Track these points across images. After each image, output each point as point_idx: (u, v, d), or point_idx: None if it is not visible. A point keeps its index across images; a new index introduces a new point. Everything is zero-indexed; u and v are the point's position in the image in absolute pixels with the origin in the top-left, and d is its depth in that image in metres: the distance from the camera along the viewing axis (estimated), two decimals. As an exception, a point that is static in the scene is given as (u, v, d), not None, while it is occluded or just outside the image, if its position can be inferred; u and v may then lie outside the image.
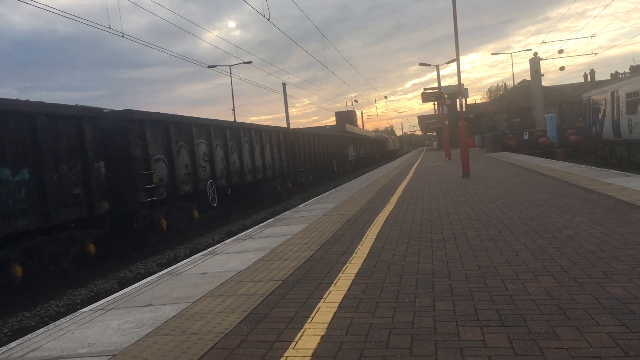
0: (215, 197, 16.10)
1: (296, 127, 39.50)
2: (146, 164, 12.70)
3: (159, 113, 13.85)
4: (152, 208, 12.90)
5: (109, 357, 3.47)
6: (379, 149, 72.84)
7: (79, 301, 9.35)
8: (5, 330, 8.04)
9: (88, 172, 10.61)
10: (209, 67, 39.32)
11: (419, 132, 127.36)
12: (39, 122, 9.51)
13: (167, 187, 13.65)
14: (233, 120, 32.94)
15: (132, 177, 12.21)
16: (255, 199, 21.06)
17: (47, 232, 9.70)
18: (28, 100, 9.55)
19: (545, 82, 46.78)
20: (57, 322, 4.53)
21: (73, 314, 4.82)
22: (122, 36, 18.00)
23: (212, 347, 3.47)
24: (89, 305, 5.25)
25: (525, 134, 35.81)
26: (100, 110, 11.48)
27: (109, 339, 3.85)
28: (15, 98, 9.44)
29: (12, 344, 4.05)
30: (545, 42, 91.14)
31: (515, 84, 61.88)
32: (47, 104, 9.97)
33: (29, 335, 4.25)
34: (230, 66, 41.20)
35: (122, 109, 12.51)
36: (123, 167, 12.08)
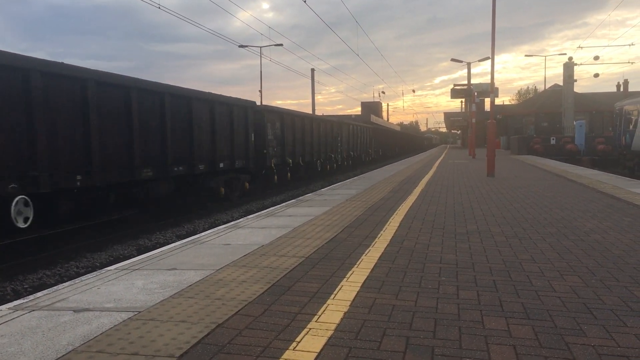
0: (276, 170, 21.44)
1: (321, 115, 39.55)
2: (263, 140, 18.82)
3: (268, 106, 19.95)
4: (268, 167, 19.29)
5: (135, 312, 3.52)
6: (421, 143, 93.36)
7: (98, 264, 9.47)
8: (25, 286, 8.19)
9: (239, 141, 16.75)
10: (240, 46, 39.42)
11: (444, 129, 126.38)
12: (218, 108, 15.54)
13: (278, 156, 19.93)
14: (260, 102, 33.36)
15: (261, 146, 18.39)
16: (302, 175, 25.04)
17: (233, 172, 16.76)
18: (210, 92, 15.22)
19: (577, 89, 46.04)
20: (83, 277, 4.61)
21: (98, 271, 4.90)
22: (159, 7, 18.08)
23: (235, 313, 3.50)
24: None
25: (553, 139, 35.37)
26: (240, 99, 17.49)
27: (135, 297, 3.90)
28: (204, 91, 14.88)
29: (39, 294, 4.13)
30: (581, 47, 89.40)
31: (547, 88, 60.94)
32: (224, 96, 15.90)
33: (55, 287, 4.33)
34: (261, 47, 41.28)
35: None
36: (256, 140, 18.19)
